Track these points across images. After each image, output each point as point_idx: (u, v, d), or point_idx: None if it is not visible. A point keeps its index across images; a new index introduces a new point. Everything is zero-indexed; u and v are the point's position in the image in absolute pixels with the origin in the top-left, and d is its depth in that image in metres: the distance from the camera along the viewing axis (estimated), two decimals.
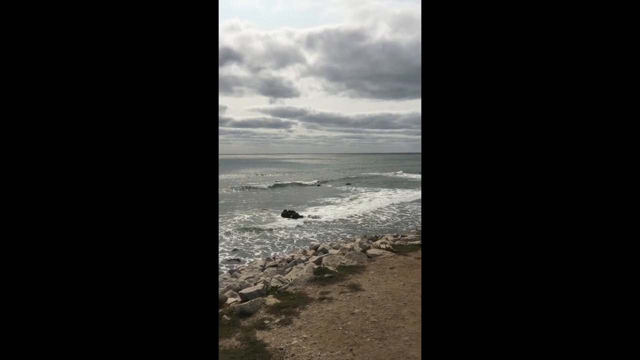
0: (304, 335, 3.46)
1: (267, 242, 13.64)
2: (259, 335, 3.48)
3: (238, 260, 11.22)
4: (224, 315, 3.86)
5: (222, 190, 30.05)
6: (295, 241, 13.68)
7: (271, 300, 4.26)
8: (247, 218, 17.97)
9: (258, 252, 12.45)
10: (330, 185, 34.76)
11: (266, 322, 3.75)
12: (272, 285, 4.91)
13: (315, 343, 3.32)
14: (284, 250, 12.32)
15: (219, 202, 23.50)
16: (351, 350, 3.18)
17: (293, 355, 3.13)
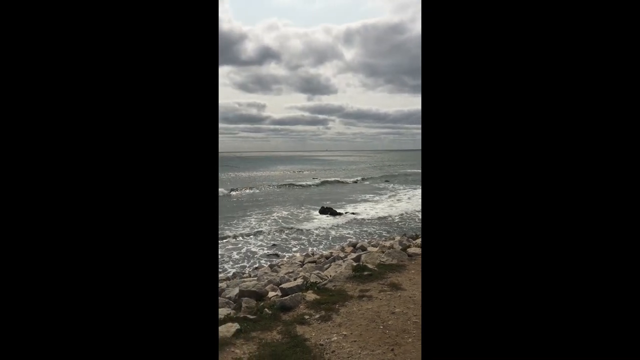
0: (344, 333, 3.45)
1: (303, 238, 13.79)
2: (300, 330, 3.51)
3: (277, 255, 11.46)
4: (265, 309, 3.94)
5: (261, 188, 30.79)
6: (331, 238, 13.72)
7: (311, 295, 4.29)
8: (285, 214, 18.27)
9: (295, 247, 12.63)
10: (368, 183, 34.47)
11: (306, 317, 3.77)
12: (312, 281, 4.94)
13: (355, 341, 3.29)
14: (321, 247, 12.40)
15: (258, 198, 24.08)
16: (392, 350, 3.12)
17: (333, 351, 3.13)
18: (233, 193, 27.35)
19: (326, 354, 3.10)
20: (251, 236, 14.09)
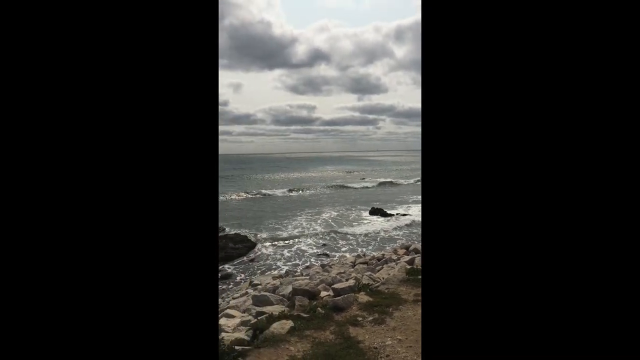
0: (399, 337, 3.35)
1: (352, 238, 13.72)
2: (352, 331, 3.48)
3: (326, 255, 11.52)
4: (318, 308, 3.96)
5: (311, 189, 31.22)
6: (379, 239, 13.52)
7: (363, 297, 4.23)
8: (335, 215, 18.31)
9: (345, 247, 12.61)
10: (420, 184, 33.45)
11: (359, 319, 3.73)
12: (364, 282, 4.88)
13: (410, 346, 3.18)
14: (370, 248, 12.25)
15: (308, 198, 24.41)
16: None
17: (388, 355, 3.05)
18: (291, 194, 28.20)
19: (380, 357, 3.03)
20: (301, 235, 14.32)
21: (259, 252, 12.25)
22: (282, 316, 3.73)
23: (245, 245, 12.64)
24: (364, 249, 12.00)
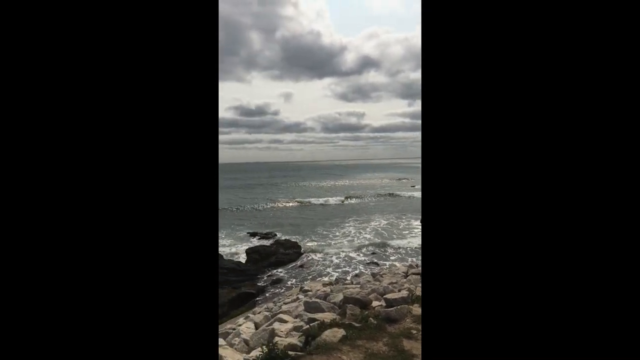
0: None
1: (402, 248, 13.37)
2: (407, 344, 3.37)
3: (376, 264, 11.35)
4: (370, 318, 3.90)
5: (360, 197, 31.02)
6: None
7: (417, 309, 4.09)
8: (384, 224, 17.99)
9: (394, 256, 12.34)
10: None
11: (413, 332, 3.60)
12: (417, 294, 4.72)
13: None
14: (420, 257, 11.85)
15: (357, 206, 24.31)
16: None
17: None
18: (340, 201, 28.44)
19: None
20: (350, 243, 14.24)
21: (309, 258, 12.38)
22: (333, 324, 3.73)
23: (296, 251, 12.86)
24: (414, 259, 11.65)
